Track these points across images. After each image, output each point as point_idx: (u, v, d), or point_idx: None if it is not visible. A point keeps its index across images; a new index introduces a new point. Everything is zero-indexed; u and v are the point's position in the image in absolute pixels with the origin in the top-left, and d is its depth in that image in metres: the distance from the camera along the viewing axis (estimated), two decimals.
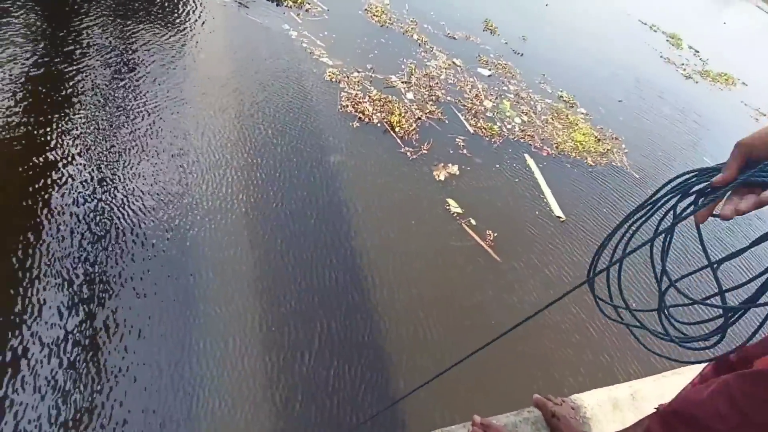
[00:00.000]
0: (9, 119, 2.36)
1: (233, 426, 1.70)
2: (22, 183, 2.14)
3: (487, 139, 3.84)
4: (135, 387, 1.69)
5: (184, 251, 2.15)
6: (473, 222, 2.93)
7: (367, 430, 1.82)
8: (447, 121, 3.84)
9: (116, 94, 2.78)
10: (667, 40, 8.82)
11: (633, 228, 0.82)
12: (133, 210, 2.22)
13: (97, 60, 2.95)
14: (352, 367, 1.99)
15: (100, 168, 2.35)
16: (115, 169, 2.37)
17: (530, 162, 3.77)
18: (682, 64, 7.84)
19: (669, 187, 0.78)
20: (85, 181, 2.26)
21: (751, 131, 0.70)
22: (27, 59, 2.73)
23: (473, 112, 4.08)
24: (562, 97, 5.06)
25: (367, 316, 2.19)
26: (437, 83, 4.29)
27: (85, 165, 2.32)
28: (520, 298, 2.56)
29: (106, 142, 2.48)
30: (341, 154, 3.06)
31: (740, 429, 0.76)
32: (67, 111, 2.55)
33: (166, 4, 3.82)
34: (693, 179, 0.75)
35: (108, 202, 2.21)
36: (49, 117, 2.47)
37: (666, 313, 0.81)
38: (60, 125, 2.46)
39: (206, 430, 1.66)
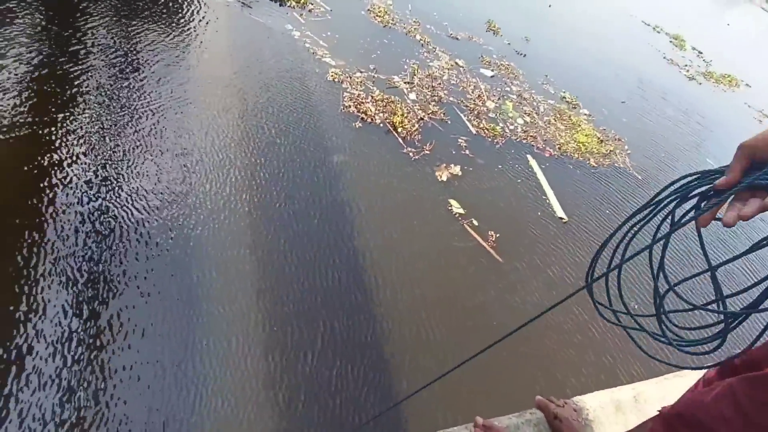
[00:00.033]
0: (14, 119, 2.37)
1: (236, 425, 1.70)
2: (28, 182, 2.15)
3: (490, 139, 3.84)
4: (138, 385, 1.69)
5: (188, 250, 2.16)
6: (476, 223, 2.93)
7: (370, 430, 1.82)
8: (449, 122, 3.84)
9: (120, 94, 2.79)
10: (671, 42, 8.80)
11: (633, 231, 0.81)
12: (137, 209, 2.23)
13: (102, 60, 2.97)
14: (355, 367, 1.99)
15: (105, 167, 2.36)
16: (119, 169, 2.38)
17: (533, 163, 3.76)
18: (686, 66, 7.82)
19: (671, 189, 0.76)
20: (90, 180, 2.27)
21: (754, 133, 0.69)
22: (32, 59, 2.74)
23: (476, 112, 4.08)
24: (564, 98, 5.06)
25: (369, 317, 2.19)
26: (440, 84, 4.29)
27: (89, 164, 2.33)
28: (522, 299, 2.56)
29: (110, 141, 2.49)
30: (344, 155, 3.06)
31: None
32: (71, 110, 2.56)
33: (170, 5, 3.83)
34: (695, 182, 0.74)
35: (112, 201, 2.22)
36: (54, 116, 2.48)
37: (665, 318, 0.80)
38: (65, 125, 2.47)
39: (209, 429, 1.67)
